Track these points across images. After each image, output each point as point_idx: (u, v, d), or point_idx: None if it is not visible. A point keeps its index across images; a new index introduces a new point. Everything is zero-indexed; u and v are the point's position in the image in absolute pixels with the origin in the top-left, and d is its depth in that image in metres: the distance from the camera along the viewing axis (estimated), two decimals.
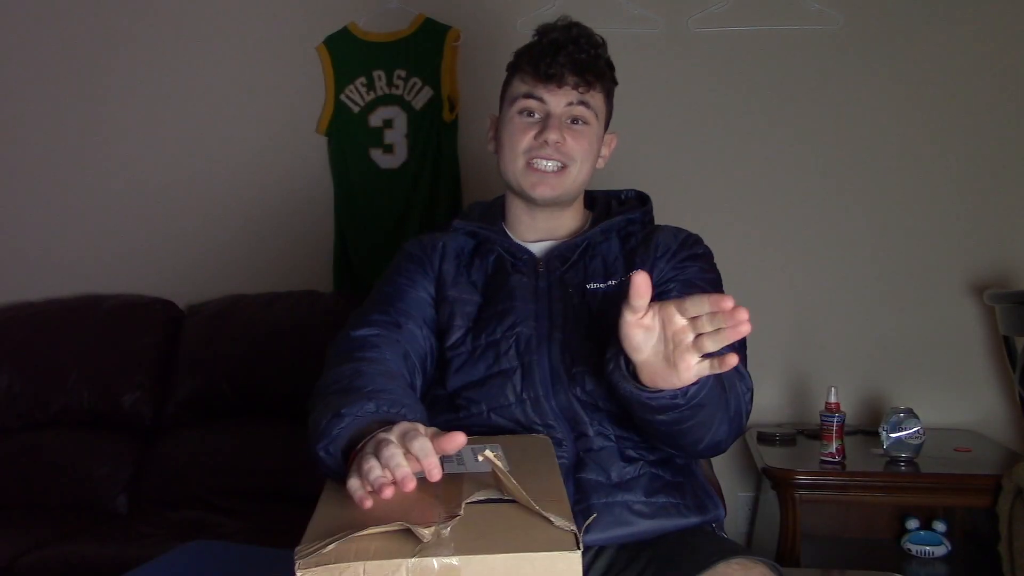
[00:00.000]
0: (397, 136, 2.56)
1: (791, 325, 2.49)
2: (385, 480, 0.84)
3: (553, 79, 1.31)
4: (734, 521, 2.48)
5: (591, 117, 1.35)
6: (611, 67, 1.38)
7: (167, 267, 2.66)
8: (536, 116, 1.34)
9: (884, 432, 2.11)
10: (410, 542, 0.78)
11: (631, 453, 1.23)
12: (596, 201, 1.48)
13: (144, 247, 2.68)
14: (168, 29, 2.66)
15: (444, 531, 0.79)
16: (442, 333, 1.32)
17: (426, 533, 0.78)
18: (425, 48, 2.55)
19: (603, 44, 1.36)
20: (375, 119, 2.57)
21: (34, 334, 2.47)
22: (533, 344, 1.26)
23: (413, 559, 0.76)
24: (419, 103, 2.55)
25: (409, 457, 0.87)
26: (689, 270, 1.32)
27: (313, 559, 0.77)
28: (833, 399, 2.13)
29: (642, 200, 1.48)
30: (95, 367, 2.39)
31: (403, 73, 2.56)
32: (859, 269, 2.48)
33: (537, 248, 1.38)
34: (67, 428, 2.38)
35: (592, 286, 1.31)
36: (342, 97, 2.59)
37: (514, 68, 1.39)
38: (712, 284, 1.32)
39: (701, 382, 1.00)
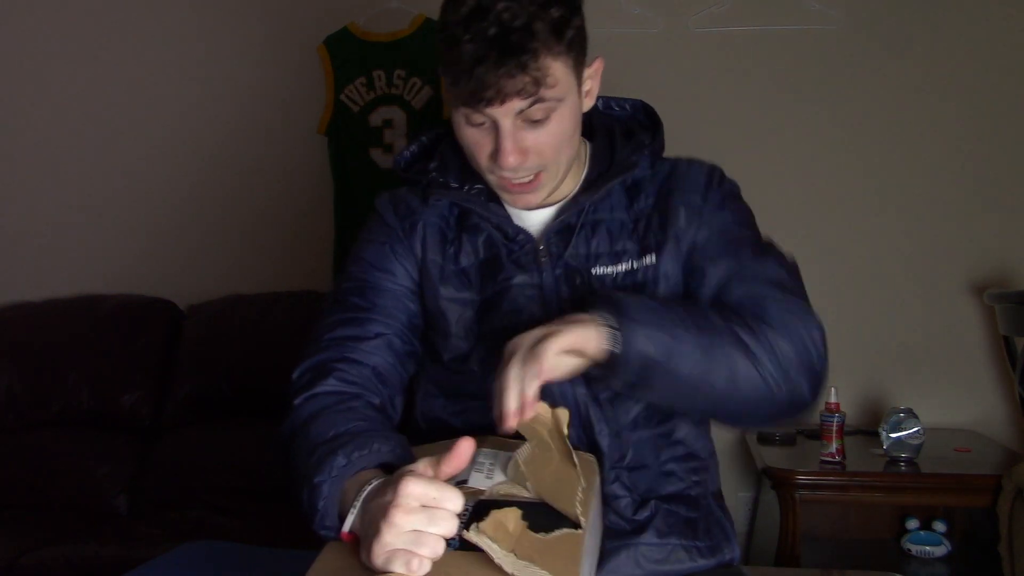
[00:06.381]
0: (397, 136, 2.56)
1: None
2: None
3: (491, 102, 1.01)
4: (734, 522, 2.48)
5: (552, 104, 1.04)
6: (563, 11, 1.02)
7: (167, 267, 2.66)
8: (486, 124, 1.05)
9: (884, 432, 2.11)
10: None
11: (641, 487, 1.10)
12: (595, 129, 1.20)
13: (144, 247, 2.68)
14: (168, 29, 2.66)
15: None
16: (429, 330, 1.17)
17: None
18: (425, 48, 2.55)
19: (539, 6, 1.00)
20: (375, 119, 2.57)
21: (34, 334, 2.47)
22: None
23: None
24: (419, 103, 2.55)
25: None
26: (712, 230, 1.13)
27: None
28: (833, 399, 2.13)
29: (652, 123, 1.21)
30: (95, 367, 2.39)
31: (403, 73, 2.56)
32: (859, 269, 2.48)
33: (533, 221, 1.15)
34: (67, 428, 2.38)
35: (598, 271, 1.11)
36: (342, 97, 2.59)
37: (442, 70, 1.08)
38: (727, 243, 1.12)
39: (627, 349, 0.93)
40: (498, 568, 0.78)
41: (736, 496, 2.50)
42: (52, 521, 2.12)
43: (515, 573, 0.78)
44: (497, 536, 0.80)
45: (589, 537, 0.90)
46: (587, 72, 1.12)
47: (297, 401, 1.09)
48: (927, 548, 2.26)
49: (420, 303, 1.17)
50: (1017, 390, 2.26)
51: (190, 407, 2.39)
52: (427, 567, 0.78)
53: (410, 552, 0.78)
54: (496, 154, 1.05)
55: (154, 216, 2.68)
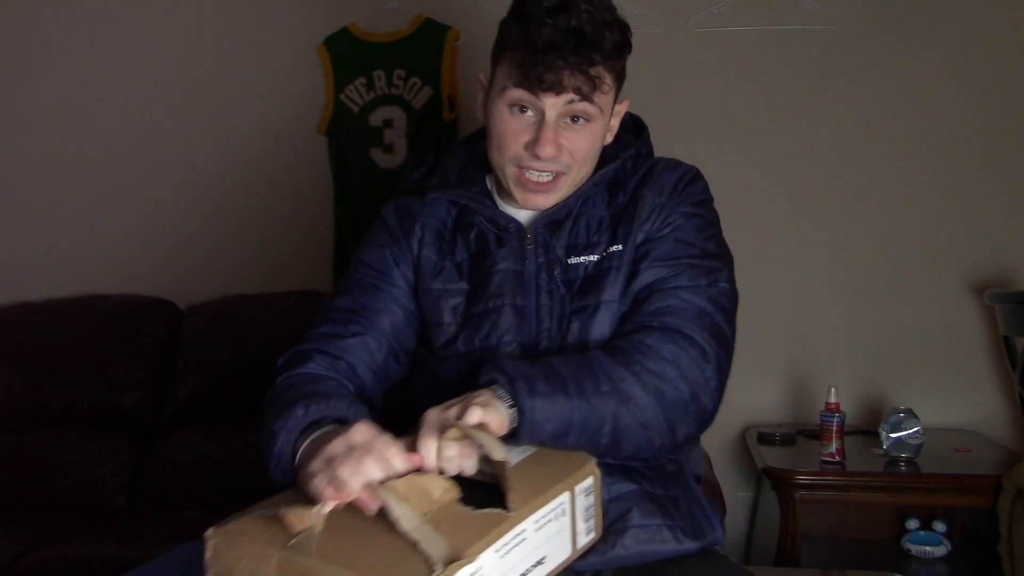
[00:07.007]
0: (397, 136, 2.56)
1: (791, 325, 2.49)
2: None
3: (549, 89, 1.11)
4: (734, 521, 2.48)
5: (595, 112, 1.14)
6: (623, 38, 1.14)
7: (167, 267, 2.67)
8: (529, 113, 1.14)
9: (884, 432, 2.11)
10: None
11: (611, 463, 1.12)
12: None
13: (144, 247, 2.68)
14: (168, 29, 2.66)
15: (315, 531, 0.81)
16: (426, 325, 1.23)
17: (297, 527, 0.81)
18: (425, 48, 2.55)
19: (611, 17, 1.12)
20: (375, 119, 2.58)
21: (34, 334, 2.47)
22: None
23: (283, 552, 0.79)
24: (419, 103, 2.55)
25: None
26: (664, 231, 1.18)
27: (221, 530, 0.83)
28: (833, 399, 2.13)
29: (637, 129, 1.30)
30: (95, 367, 2.39)
31: (403, 73, 2.56)
32: (859, 269, 2.48)
33: (524, 215, 1.23)
34: (67, 428, 2.38)
35: (573, 260, 1.18)
36: (342, 97, 2.59)
37: (498, 54, 1.18)
38: (680, 253, 1.16)
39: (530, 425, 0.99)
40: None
41: (736, 496, 2.50)
42: (52, 521, 2.11)
43: (409, 531, 0.80)
44: (411, 497, 0.83)
45: (533, 527, 0.88)
46: (617, 107, 1.23)
47: (278, 380, 1.19)
48: (927, 548, 2.26)
49: (416, 303, 1.24)
50: (1017, 390, 2.26)
51: (190, 407, 2.38)
52: (330, 502, 0.84)
53: (325, 483, 0.85)
54: (534, 143, 1.14)
55: (154, 216, 2.68)
